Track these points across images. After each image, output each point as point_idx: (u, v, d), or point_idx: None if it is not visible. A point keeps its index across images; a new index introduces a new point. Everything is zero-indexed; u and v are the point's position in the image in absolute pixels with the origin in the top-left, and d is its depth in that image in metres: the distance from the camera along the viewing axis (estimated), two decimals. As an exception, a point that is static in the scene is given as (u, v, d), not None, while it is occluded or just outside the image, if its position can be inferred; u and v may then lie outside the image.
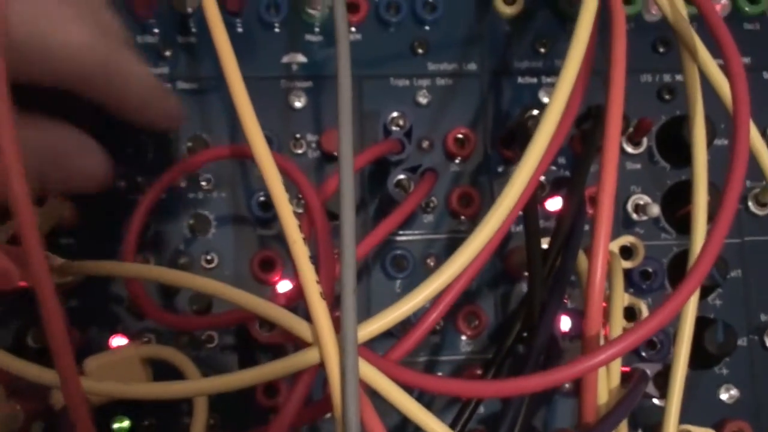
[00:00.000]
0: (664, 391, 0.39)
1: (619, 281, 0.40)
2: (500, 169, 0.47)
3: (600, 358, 0.32)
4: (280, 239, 0.46)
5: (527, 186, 0.35)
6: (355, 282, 0.31)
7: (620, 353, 0.32)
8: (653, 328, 0.33)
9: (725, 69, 0.37)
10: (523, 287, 0.46)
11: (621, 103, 0.36)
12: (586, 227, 0.40)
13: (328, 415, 0.41)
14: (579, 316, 0.44)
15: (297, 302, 0.39)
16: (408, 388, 0.33)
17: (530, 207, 0.37)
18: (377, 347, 0.44)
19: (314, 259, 0.34)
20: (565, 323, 0.44)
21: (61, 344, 0.28)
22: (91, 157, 0.40)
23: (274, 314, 0.33)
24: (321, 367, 0.32)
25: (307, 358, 0.32)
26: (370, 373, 0.32)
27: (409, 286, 0.45)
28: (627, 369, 0.39)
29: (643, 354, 0.45)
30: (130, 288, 0.39)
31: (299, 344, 0.34)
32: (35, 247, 0.28)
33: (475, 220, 0.47)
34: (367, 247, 0.39)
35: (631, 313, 0.43)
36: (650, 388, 0.41)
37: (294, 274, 0.34)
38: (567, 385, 0.45)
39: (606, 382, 0.36)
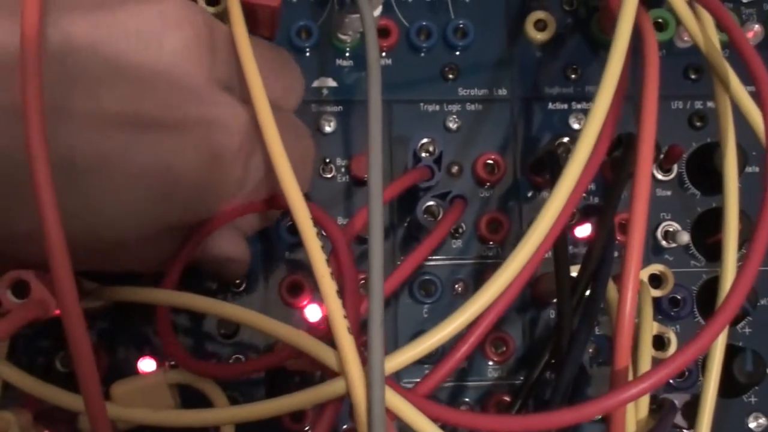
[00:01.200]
0: (692, 422, 0.39)
1: (648, 311, 0.40)
2: (529, 195, 0.47)
3: (630, 393, 0.32)
4: (308, 263, 0.46)
5: (561, 215, 0.34)
6: (383, 316, 0.31)
7: (650, 389, 0.32)
8: (684, 362, 0.33)
9: (757, 97, 0.37)
10: (551, 313, 0.46)
11: (653, 134, 0.36)
12: (616, 254, 0.40)
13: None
14: (605, 342, 0.44)
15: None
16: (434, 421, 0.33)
17: (560, 236, 0.37)
18: (405, 371, 0.44)
19: (340, 291, 0.34)
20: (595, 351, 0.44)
21: (88, 374, 0.29)
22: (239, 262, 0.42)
23: (303, 342, 0.33)
24: (348, 397, 0.32)
25: (333, 389, 0.32)
26: (398, 404, 0.32)
27: (437, 311, 0.46)
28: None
29: (671, 382, 0.45)
30: (163, 333, 0.39)
31: (326, 372, 0.34)
32: (65, 277, 0.28)
33: (503, 246, 0.47)
34: (396, 282, 0.39)
35: (659, 342, 0.43)
36: (678, 419, 0.41)
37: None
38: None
39: (634, 413, 0.36)
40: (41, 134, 0.27)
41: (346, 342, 0.32)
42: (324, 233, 0.37)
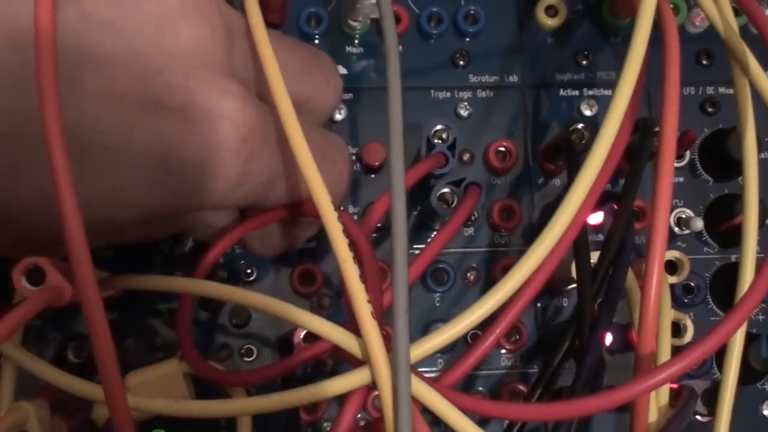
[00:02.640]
0: (712, 409, 0.39)
1: (666, 299, 0.39)
2: (540, 182, 0.47)
3: (653, 381, 0.32)
4: (319, 253, 0.45)
5: (585, 204, 0.34)
6: (408, 303, 0.31)
7: (673, 377, 0.32)
8: (709, 349, 0.32)
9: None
10: (564, 302, 0.46)
11: (675, 124, 0.36)
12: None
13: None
14: (621, 330, 0.44)
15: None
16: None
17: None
18: (419, 363, 0.44)
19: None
20: (607, 338, 0.44)
21: (109, 363, 0.28)
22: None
23: (325, 329, 0.33)
24: (372, 387, 0.32)
25: (358, 378, 0.32)
26: (423, 392, 0.31)
27: (448, 299, 0.46)
28: (675, 386, 0.38)
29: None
30: (181, 338, 0.39)
31: (347, 360, 0.34)
32: (85, 264, 0.28)
33: (515, 234, 0.46)
34: (418, 269, 0.39)
35: (675, 328, 0.43)
36: (698, 406, 0.41)
37: (343, 292, 0.34)
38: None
39: (655, 401, 0.36)
40: (56, 103, 0.27)
41: (371, 328, 0.31)
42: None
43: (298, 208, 0.38)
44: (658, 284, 0.34)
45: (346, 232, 0.33)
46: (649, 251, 0.34)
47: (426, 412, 0.32)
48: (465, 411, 0.32)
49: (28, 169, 0.30)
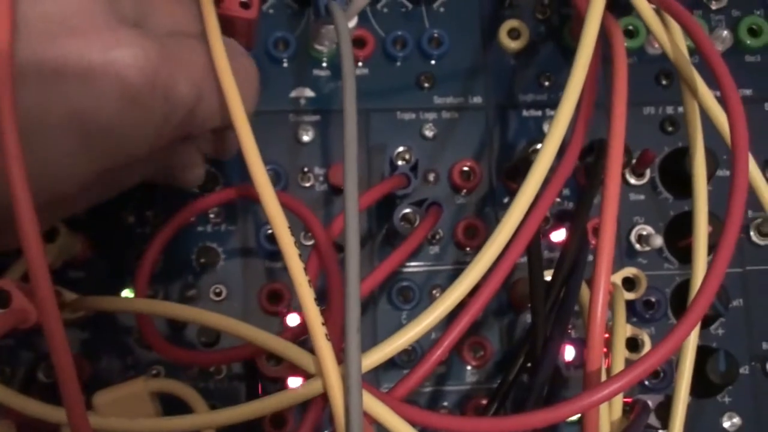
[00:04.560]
0: (666, 422, 0.39)
1: (621, 313, 0.40)
2: (506, 201, 0.48)
3: (602, 393, 0.33)
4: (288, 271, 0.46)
5: (531, 218, 0.35)
6: (359, 320, 0.32)
7: (623, 389, 0.33)
8: (655, 363, 0.33)
9: (723, 103, 0.38)
10: (528, 317, 0.47)
11: (622, 137, 0.37)
12: (590, 258, 0.40)
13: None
14: (582, 345, 0.45)
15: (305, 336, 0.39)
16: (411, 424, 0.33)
17: (533, 240, 0.37)
18: (384, 377, 0.45)
19: (321, 298, 0.34)
20: (569, 353, 0.45)
21: (70, 385, 0.29)
22: (196, 170, 0.42)
23: (280, 348, 0.34)
24: (325, 399, 0.33)
25: (311, 389, 0.33)
26: (374, 406, 0.32)
27: (415, 317, 0.46)
28: (629, 400, 0.39)
29: (646, 383, 0.45)
30: (141, 323, 0.40)
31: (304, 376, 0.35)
32: (45, 287, 0.28)
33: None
34: (372, 283, 0.40)
35: (633, 344, 0.44)
36: (652, 419, 0.42)
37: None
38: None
39: (608, 414, 0.37)
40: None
41: (325, 349, 0.32)
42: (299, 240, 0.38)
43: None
44: (605, 296, 0.35)
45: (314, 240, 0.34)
46: (595, 264, 0.35)
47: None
48: (412, 423, 0.33)
49: None
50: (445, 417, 0.35)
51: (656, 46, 0.49)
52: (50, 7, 0.31)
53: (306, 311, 0.33)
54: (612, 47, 0.39)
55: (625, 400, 0.39)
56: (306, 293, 0.33)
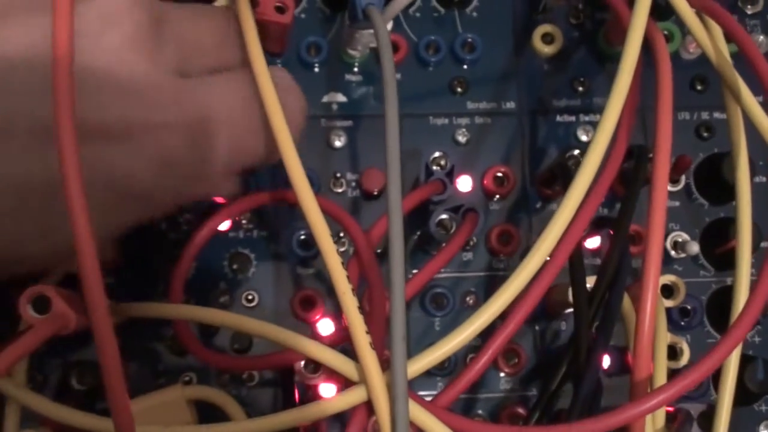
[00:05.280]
0: (708, 432, 0.39)
1: (662, 321, 0.40)
2: (538, 206, 0.48)
3: (649, 404, 0.32)
4: (321, 277, 0.46)
5: (575, 225, 0.35)
6: (405, 327, 0.31)
7: (669, 400, 0.33)
8: (702, 374, 0.33)
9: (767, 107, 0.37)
10: (562, 325, 0.47)
11: (669, 142, 0.37)
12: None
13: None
14: (618, 353, 0.45)
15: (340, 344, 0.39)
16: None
17: (576, 248, 0.37)
18: (418, 385, 0.44)
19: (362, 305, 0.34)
20: (605, 361, 0.44)
21: (118, 390, 0.29)
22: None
23: (323, 355, 0.34)
24: (369, 408, 0.33)
25: (355, 397, 0.32)
26: (420, 415, 0.32)
27: (448, 324, 0.46)
28: (671, 409, 0.39)
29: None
30: (178, 329, 0.39)
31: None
32: (97, 291, 0.28)
33: (513, 258, 0.47)
34: (413, 290, 0.40)
35: (671, 352, 0.43)
36: (695, 429, 0.41)
37: (340, 318, 0.35)
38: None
39: (651, 424, 0.36)
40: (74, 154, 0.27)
41: (370, 358, 0.32)
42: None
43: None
44: (653, 307, 0.35)
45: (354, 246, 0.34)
46: (643, 275, 0.35)
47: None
48: None
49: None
50: (493, 426, 0.35)
51: (691, 51, 0.49)
52: (93, 59, 0.31)
53: (350, 319, 0.33)
54: (655, 52, 0.38)
55: (667, 409, 0.38)
56: (349, 301, 0.33)
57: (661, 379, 0.38)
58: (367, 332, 0.32)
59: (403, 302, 0.31)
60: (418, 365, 0.33)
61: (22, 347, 0.32)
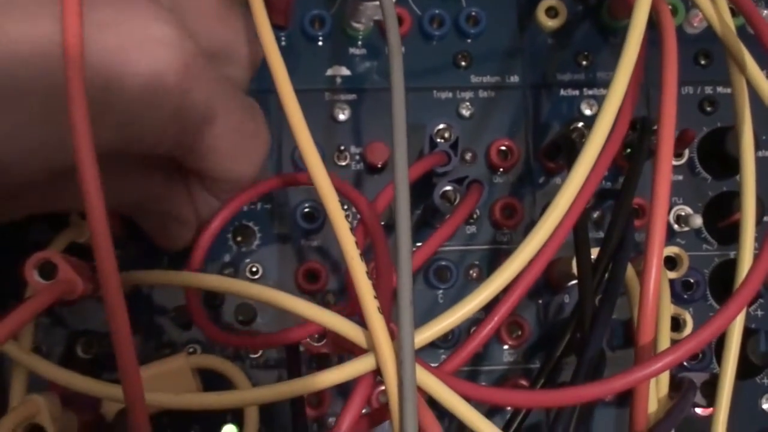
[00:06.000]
0: (711, 400, 0.39)
1: (666, 292, 0.40)
2: (541, 180, 0.48)
3: (654, 367, 0.32)
4: (324, 250, 0.46)
5: (580, 196, 0.35)
6: (411, 291, 0.31)
7: (674, 363, 0.33)
8: (706, 339, 0.33)
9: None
10: (566, 298, 0.47)
11: (674, 113, 0.37)
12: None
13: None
14: (622, 326, 0.45)
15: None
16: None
17: (580, 218, 0.37)
18: (423, 355, 0.44)
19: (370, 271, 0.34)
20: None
21: (127, 355, 0.29)
22: (184, 230, 0.41)
23: (332, 322, 0.34)
24: (377, 374, 0.33)
25: (363, 365, 0.32)
26: (427, 380, 0.32)
27: (451, 297, 0.46)
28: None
29: (686, 364, 0.45)
30: (189, 298, 0.39)
31: (354, 352, 0.34)
32: (108, 257, 0.28)
33: (517, 231, 0.47)
34: (420, 260, 0.39)
35: (675, 324, 0.43)
36: (698, 398, 0.41)
37: (350, 289, 0.35)
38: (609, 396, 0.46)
39: (655, 391, 0.37)
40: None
41: (377, 322, 0.32)
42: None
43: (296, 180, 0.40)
44: (658, 273, 0.35)
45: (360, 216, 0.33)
46: (648, 239, 0.35)
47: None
48: (467, 398, 0.32)
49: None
50: (498, 390, 0.35)
51: (695, 25, 0.49)
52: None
53: (358, 285, 0.33)
54: (661, 22, 0.38)
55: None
56: (358, 267, 0.33)
57: (664, 347, 0.38)
58: (375, 297, 0.32)
59: (410, 267, 0.31)
60: (427, 333, 0.33)
61: (27, 311, 0.32)
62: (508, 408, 0.43)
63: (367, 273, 0.33)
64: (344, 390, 0.43)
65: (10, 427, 0.34)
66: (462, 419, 0.32)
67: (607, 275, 0.39)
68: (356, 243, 0.33)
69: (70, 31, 0.28)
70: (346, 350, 0.36)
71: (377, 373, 0.33)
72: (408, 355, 0.30)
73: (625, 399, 0.46)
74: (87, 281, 0.34)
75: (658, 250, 0.35)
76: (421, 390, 0.32)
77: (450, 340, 0.45)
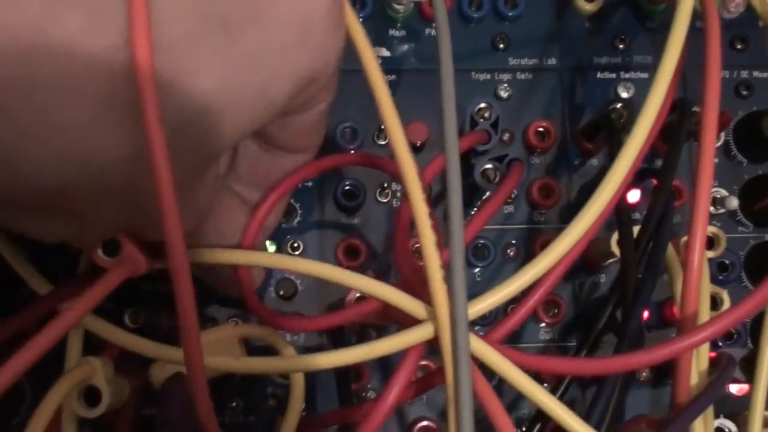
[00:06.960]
0: (750, 376, 0.40)
1: (706, 269, 0.40)
2: (577, 162, 0.48)
3: (699, 336, 0.33)
4: (364, 227, 0.47)
5: (625, 178, 0.36)
6: (464, 258, 0.32)
7: (718, 333, 0.33)
8: (747, 311, 0.34)
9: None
10: (601, 278, 0.47)
11: (717, 94, 0.37)
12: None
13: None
14: (658, 306, 0.45)
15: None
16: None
17: (621, 198, 0.38)
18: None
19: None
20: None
21: (191, 322, 0.29)
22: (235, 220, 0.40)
23: (387, 294, 0.34)
24: (434, 343, 0.33)
25: (422, 333, 0.33)
26: (479, 347, 0.33)
27: (489, 275, 0.47)
28: (714, 354, 0.39)
29: (721, 344, 0.46)
30: (244, 286, 0.40)
31: (399, 321, 0.35)
32: (177, 234, 0.29)
33: (553, 211, 0.48)
34: (471, 233, 0.40)
35: (713, 302, 0.44)
36: (737, 373, 0.42)
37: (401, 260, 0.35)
38: (644, 374, 0.46)
39: (696, 365, 0.37)
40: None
41: (440, 291, 0.32)
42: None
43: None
44: (702, 245, 0.35)
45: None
46: (693, 212, 0.36)
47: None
48: (517, 365, 0.33)
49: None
50: (545, 358, 0.35)
51: (732, 9, 0.49)
52: None
53: (427, 254, 0.33)
54: (704, 9, 0.39)
55: (711, 354, 0.39)
56: (429, 237, 0.33)
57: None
58: (441, 267, 0.33)
59: (462, 234, 0.31)
60: (482, 305, 0.34)
61: (100, 289, 0.32)
62: (545, 385, 0.44)
63: (437, 243, 0.33)
64: (384, 364, 0.44)
65: (68, 387, 0.34)
66: (512, 383, 0.33)
67: (647, 254, 0.39)
68: (429, 214, 0.34)
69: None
70: (392, 322, 0.37)
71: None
72: (461, 320, 0.31)
73: (660, 379, 0.46)
74: (150, 258, 0.35)
75: (702, 222, 0.35)
76: (473, 357, 0.33)
77: (488, 318, 0.46)
